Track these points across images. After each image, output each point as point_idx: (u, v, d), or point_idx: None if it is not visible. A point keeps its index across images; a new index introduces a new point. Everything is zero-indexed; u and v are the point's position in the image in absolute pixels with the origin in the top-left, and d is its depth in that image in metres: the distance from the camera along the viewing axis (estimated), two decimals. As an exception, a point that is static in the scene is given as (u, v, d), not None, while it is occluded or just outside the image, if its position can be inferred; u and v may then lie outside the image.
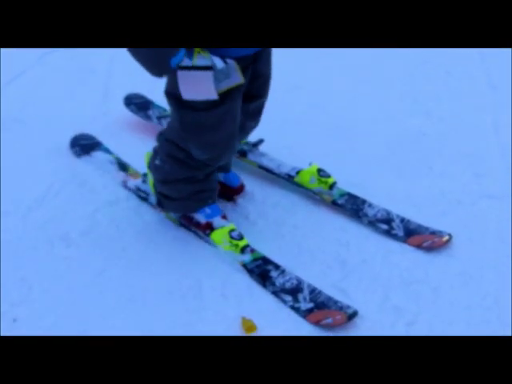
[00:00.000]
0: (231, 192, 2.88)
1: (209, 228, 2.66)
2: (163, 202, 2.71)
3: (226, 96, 2.38)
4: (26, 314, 2.37)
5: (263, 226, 2.78)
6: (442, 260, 2.57)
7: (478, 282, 2.47)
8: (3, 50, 3.83)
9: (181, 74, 2.31)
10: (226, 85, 2.34)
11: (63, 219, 2.74)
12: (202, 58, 2.28)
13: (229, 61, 2.30)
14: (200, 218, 2.68)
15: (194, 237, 2.71)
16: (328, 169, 2.91)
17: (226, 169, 2.87)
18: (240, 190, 2.89)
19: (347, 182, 2.94)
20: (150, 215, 2.79)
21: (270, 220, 2.81)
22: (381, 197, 2.89)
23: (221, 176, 2.85)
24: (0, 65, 3.79)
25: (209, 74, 2.29)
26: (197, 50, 2.27)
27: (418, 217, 2.77)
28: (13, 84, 3.69)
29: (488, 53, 4.04)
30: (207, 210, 2.68)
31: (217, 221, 2.66)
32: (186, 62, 2.28)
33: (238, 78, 2.35)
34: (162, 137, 2.63)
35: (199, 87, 2.33)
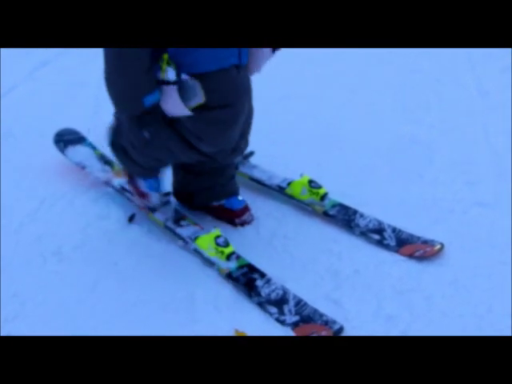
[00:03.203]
0: (231, 215, 2.86)
1: (142, 196, 2.73)
2: (118, 152, 2.74)
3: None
4: (19, 330, 2.35)
5: (255, 237, 2.79)
6: (435, 269, 2.57)
7: (471, 291, 2.47)
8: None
9: (166, 88, 2.35)
10: (194, 102, 2.37)
11: (55, 234, 2.74)
12: (171, 71, 2.32)
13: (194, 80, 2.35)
14: (142, 185, 2.76)
15: (186, 249, 2.70)
16: (319, 179, 2.91)
17: (233, 191, 2.88)
18: (241, 213, 2.85)
19: (339, 191, 2.94)
20: (141, 229, 2.78)
21: (261, 231, 2.81)
22: (373, 206, 2.90)
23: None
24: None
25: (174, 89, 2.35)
26: (164, 64, 2.30)
27: (410, 225, 2.77)
28: (4, 99, 3.70)
29: (477, 60, 4.07)
30: (152, 182, 2.77)
31: (154, 196, 2.75)
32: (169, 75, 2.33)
33: (200, 98, 2.36)
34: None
35: (175, 102, 2.37)
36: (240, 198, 2.89)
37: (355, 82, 3.90)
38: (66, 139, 3.15)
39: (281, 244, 2.74)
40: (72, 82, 3.68)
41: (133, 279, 2.58)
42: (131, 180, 2.79)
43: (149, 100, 2.35)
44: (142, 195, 2.75)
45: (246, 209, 2.86)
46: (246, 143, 2.77)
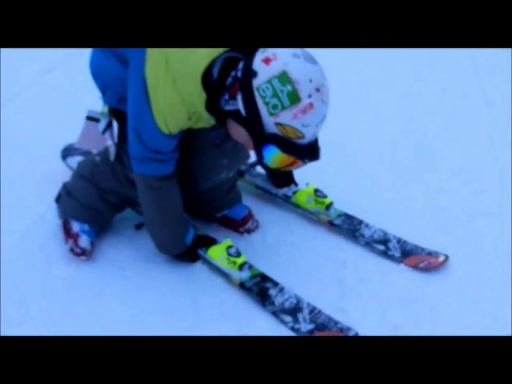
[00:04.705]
0: (233, 225, 2.87)
1: (71, 237, 2.68)
2: (62, 197, 2.77)
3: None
4: (24, 335, 2.35)
5: (261, 244, 2.79)
6: (440, 279, 2.58)
7: (476, 301, 2.48)
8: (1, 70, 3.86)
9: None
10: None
11: (62, 239, 2.74)
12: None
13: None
14: (75, 226, 2.70)
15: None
16: (324, 187, 2.92)
17: (235, 200, 2.88)
18: (244, 222, 2.86)
19: (343, 200, 2.96)
20: (148, 235, 2.77)
21: (267, 239, 2.82)
22: (377, 214, 2.91)
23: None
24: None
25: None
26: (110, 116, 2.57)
27: (415, 234, 2.79)
28: (9, 104, 3.69)
29: (483, 70, 4.07)
30: (85, 227, 2.71)
31: (84, 239, 2.67)
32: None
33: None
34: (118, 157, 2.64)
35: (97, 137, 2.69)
36: (243, 205, 2.90)
37: (360, 90, 3.91)
38: (74, 154, 3.14)
39: (287, 252, 2.75)
40: (78, 88, 3.67)
41: (139, 285, 2.59)
42: (65, 225, 2.74)
43: (189, 239, 2.63)
44: (71, 236, 2.68)
45: (249, 216, 2.87)
46: (235, 158, 2.73)
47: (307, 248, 2.77)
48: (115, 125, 2.55)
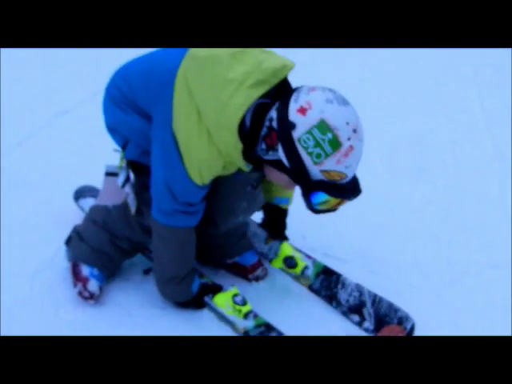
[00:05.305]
0: (243, 271, 2.86)
1: (81, 281, 2.67)
2: (73, 240, 2.77)
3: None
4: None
5: (269, 293, 2.79)
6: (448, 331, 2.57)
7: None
8: (15, 111, 3.89)
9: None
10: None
11: (70, 282, 2.74)
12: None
13: None
14: (84, 270, 2.70)
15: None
16: (334, 236, 2.92)
17: (246, 247, 2.87)
18: (253, 269, 2.85)
19: (352, 249, 2.97)
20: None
21: (275, 288, 2.82)
22: (387, 265, 2.91)
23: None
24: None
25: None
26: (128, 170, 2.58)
27: (423, 285, 2.82)
28: (24, 144, 3.70)
29: (494, 121, 4.07)
30: (95, 271, 2.70)
31: (93, 283, 2.67)
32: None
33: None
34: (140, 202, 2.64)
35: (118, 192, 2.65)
36: (253, 252, 2.88)
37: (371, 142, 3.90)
38: (87, 196, 3.13)
39: (295, 301, 2.74)
40: (92, 131, 3.69)
41: (146, 331, 2.58)
42: (74, 268, 2.74)
43: (195, 287, 2.63)
44: (80, 280, 2.69)
45: (258, 264, 2.86)
46: (253, 202, 2.69)
47: (316, 298, 2.76)
48: (132, 177, 2.58)
